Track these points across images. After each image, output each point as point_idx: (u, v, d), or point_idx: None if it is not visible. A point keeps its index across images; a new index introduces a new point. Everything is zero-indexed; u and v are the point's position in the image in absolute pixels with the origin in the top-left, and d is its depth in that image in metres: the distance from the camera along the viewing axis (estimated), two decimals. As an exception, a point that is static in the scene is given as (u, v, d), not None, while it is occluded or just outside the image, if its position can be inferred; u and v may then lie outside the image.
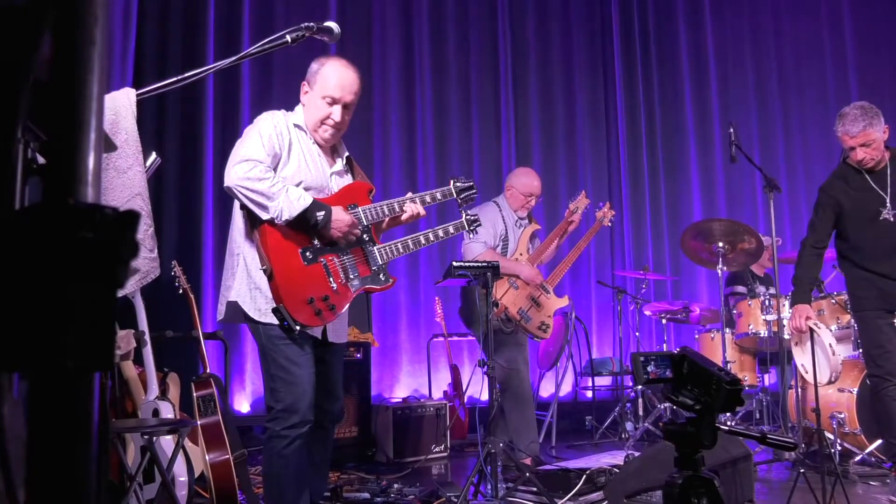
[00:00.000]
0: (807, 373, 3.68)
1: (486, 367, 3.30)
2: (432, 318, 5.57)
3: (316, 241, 2.48)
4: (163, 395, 3.37)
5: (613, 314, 5.96)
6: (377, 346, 5.09)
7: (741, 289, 5.53)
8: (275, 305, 2.39)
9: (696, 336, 5.36)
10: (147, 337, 3.36)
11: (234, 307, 2.50)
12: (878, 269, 3.60)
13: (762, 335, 4.78)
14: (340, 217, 2.48)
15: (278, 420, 2.42)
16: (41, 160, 0.68)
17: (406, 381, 5.84)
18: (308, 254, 2.46)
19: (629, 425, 5.25)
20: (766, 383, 5.31)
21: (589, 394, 6.01)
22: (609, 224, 4.57)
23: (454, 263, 3.39)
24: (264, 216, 2.40)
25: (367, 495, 3.56)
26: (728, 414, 4.51)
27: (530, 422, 4.14)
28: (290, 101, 2.67)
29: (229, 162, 2.42)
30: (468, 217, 2.86)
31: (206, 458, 3.13)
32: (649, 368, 1.63)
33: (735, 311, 5.10)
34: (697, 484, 1.53)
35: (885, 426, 3.61)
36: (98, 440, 0.55)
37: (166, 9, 5.15)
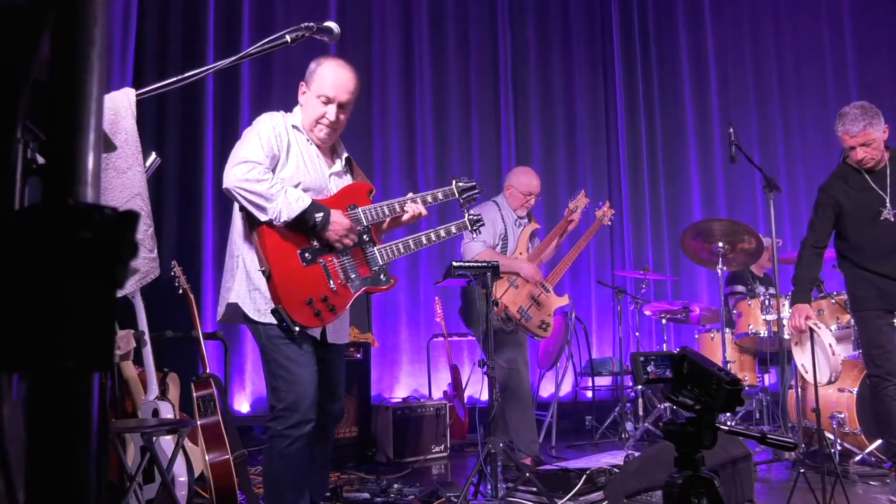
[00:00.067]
0: (807, 373, 3.68)
1: (485, 367, 3.30)
2: (432, 318, 5.57)
3: (315, 243, 2.48)
4: (163, 395, 3.37)
5: (613, 314, 5.96)
6: (377, 346, 5.09)
7: (741, 288, 5.53)
8: (274, 306, 2.39)
9: (696, 336, 5.35)
10: (147, 337, 3.36)
11: (233, 308, 2.50)
12: (878, 269, 3.60)
13: (762, 335, 4.78)
14: (338, 220, 2.47)
15: (280, 419, 2.42)
16: (41, 160, 0.68)
17: (406, 381, 5.84)
18: (307, 255, 2.46)
19: (629, 425, 5.25)
20: (766, 383, 5.31)
21: (589, 394, 6.01)
22: (609, 223, 4.57)
23: (454, 263, 3.39)
24: (263, 217, 2.40)
25: (367, 495, 3.56)
26: (728, 414, 4.51)
27: (530, 422, 4.14)
28: (290, 101, 2.68)
29: (228, 164, 2.42)
30: (471, 217, 2.85)
31: (206, 458, 3.13)
32: (649, 368, 1.63)
33: (735, 311, 5.10)
34: (697, 484, 1.53)
35: (885, 426, 3.61)
36: (98, 440, 0.55)
37: (166, 9, 5.15)
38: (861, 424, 4.03)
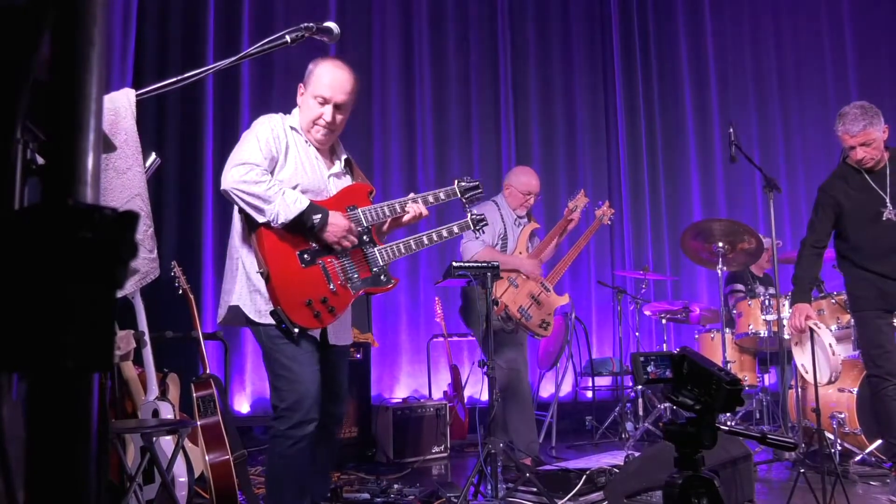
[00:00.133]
0: (807, 373, 3.68)
1: (485, 367, 3.30)
2: (432, 319, 5.57)
3: (314, 244, 2.48)
4: (163, 395, 3.37)
5: (613, 314, 5.96)
6: (377, 347, 5.09)
7: (740, 287, 5.53)
8: (273, 308, 2.39)
9: (696, 336, 5.35)
10: (147, 337, 3.36)
11: (234, 311, 2.49)
12: (878, 269, 3.60)
13: (762, 335, 4.78)
14: (336, 222, 2.46)
15: (283, 419, 2.42)
16: (40, 160, 0.68)
17: (406, 382, 5.84)
18: (306, 256, 2.46)
19: (629, 425, 5.25)
20: (766, 383, 5.31)
21: (589, 394, 6.01)
22: (608, 222, 4.57)
23: (454, 264, 3.39)
24: (261, 219, 2.40)
25: (367, 496, 3.56)
26: (728, 414, 4.51)
27: (530, 422, 4.14)
28: (289, 101, 2.68)
29: (226, 166, 2.43)
30: (474, 217, 2.84)
31: (206, 458, 3.13)
32: (649, 368, 1.63)
33: (735, 311, 5.10)
34: (697, 484, 1.53)
35: (885, 426, 3.61)
36: (98, 440, 0.55)
37: (166, 9, 5.15)
38: (861, 424, 4.03)
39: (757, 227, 5.70)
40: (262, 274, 2.41)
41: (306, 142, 2.59)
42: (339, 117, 2.57)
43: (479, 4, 6.59)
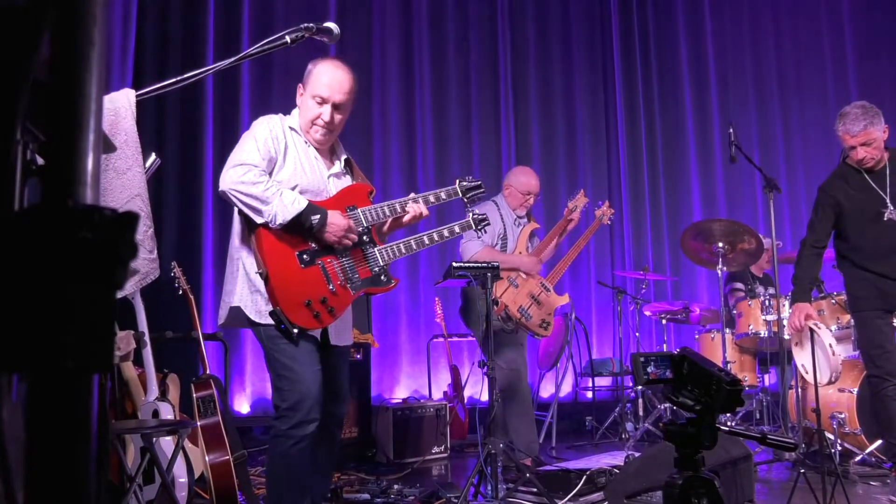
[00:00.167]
0: (807, 373, 3.68)
1: (485, 367, 3.30)
2: (432, 319, 5.57)
3: (313, 244, 2.48)
4: (162, 396, 3.37)
5: (613, 314, 5.96)
6: (377, 347, 5.09)
7: (740, 285, 5.53)
8: (272, 308, 2.39)
9: (697, 336, 5.35)
10: (147, 338, 3.36)
11: (235, 312, 2.49)
12: (878, 269, 3.60)
13: (762, 335, 4.78)
14: (336, 221, 2.46)
15: (284, 419, 2.42)
16: (40, 161, 0.68)
17: (406, 382, 5.84)
18: (305, 256, 2.46)
19: (629, 426, 5.25)
20: (767, 383, 5.31)
21: (589, 394, 6.01)
22: (608, 222, 4.57)
23: (454, 264, 3.39)
24: (259, 220, 2.40)
25: (367, 496, 3.56)
26: (728, 414, 4.51)
27: (530, 422, 4.13)
28: (289, 102, 2.68)
29: (225, 167, 2.43)
30: (476, 216, 2.84)
31: (206, 458, 3.13)
32: (649, 369, 1.63)
33: (735, 312, 5.10)
34: (698, 484, 1.53)
35: (885, 426, 3.61)
36: (98, 441, 0.55)
37: (166, 9, 5.15)
38: (861, 425, 4.03)
39: (757, 228, 5.69)
40: (260, 274, 2.41)
41: (306, 142, 2.59)
42: (337, 117, 2.57)
43: (479, 5, 6.59)
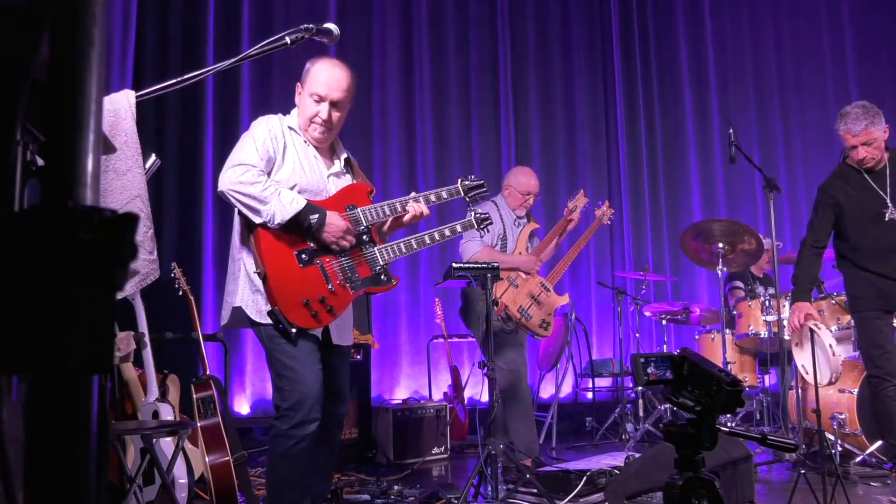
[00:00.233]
0: (807, 373, 3.68)
1: (485, 368, 3.30)
2: (432, 320, 5.57)
3: (312, 244, 2.47)
4: (162, 396, 3.37)
5: (613, 315, 5.96)
6: (377, 348, 5.09)
7: (740, 284, 5.53)
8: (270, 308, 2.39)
9: (697, 337, 5.35)
10: (147, 339, 3.36)
11: (237, 312, 2.49)
12: (878, 270, 3.60)
13: (762, 336, 4.78)
14: (334, 222, 2.46)
15: (285, 418, 2.42)
16: (40, 162, 0.68)
17: (406, 383, 5.84)
18: (304, 256, 2.45)
19: (629, 426, 5.25)
20: (767, 384, 5.31)
21: (589, 395, 6.00)
22: (608, 222, 4.57)
23: (454, 265, 3.39)
24: (257, 220, 2.40)
25: (367, 497, 3.55)
26: (728, 415, 4.51)
27: (530, 423, 4.13)
28: (289, 102, 2.68)
29: (224, 167, 2.43)
30: (478, 215, 2.83)
31: (206, 459, 3.13)
32: (649, 370, 1.63)
33: (735, 312, 5.10)
34: (698, 485, 1.52)
35: (886, 427, 3.61)
36: (98, 442, 0.54)
37: (166, 10, 5.15)
38: (861, 425, 4.02)
39: (757, 228, 5.70)
40: (258, 274, 2.41)
41: (305, 142, 2.59)
42: (335, 115, 2.57)
43: (479, 5, 6.59)
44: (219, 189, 2.43)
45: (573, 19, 7.03)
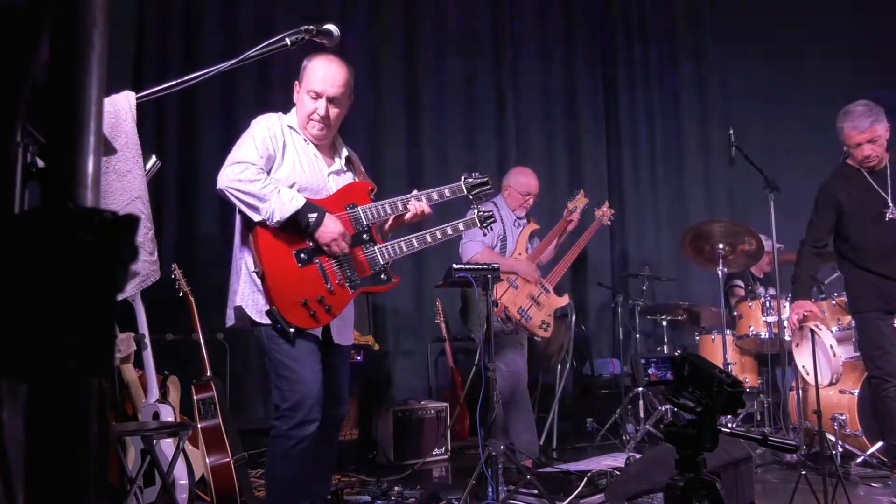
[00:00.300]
0: (808, 374, 3.68)
1: (486, 369, 3.30)
2: (433, 321, 5.57)
3: (311, 243, 2.46)
4: (163, 398, 3.37)
5: (613, 316, 5.95)
6: (378, 349, 5.09)
7: (739, 282, 5.53)
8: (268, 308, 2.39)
9: (697, 338, 5.35)
10: (147, 340, 3.36)
11: (240, 312, 2.49)
12: (879, 270, 3.60)
13: (763, 337, 4.77)
14: (329, 225, 2.44)
15: (285, 419, 2.41)
16: (41, 164, 0.68)
17: (407, 384, 5.82)
18: (303, 255, 2.45)
19: (630, 427, 5.24)
20: (768, 385, 5.30)
21: (589, 395, 5.99)
22: (608, 223, 4.57)
23: (454, 266, 3.39)
24: (256, 218, 2.39)
25: (367, 498, 3.55)
26: (729, 416, 4.50)
27: (530, 424, 4.13)
28: (289, 102, 2.67)
29: (223, 166, 2.43)
30: (482, 214, 2.81)
31: (207, 461, 3.13)
32: (650, 370, 1.63)
33: (736, 313, 5.09)
34: (699, 486, 1.52)
35: (886, 427, 3.61)
36: (98, 443, 0.55)
37: (166, 11, 5.15)
38: (862, 426, 4.02)
39: (758, 229, 5.69)
40: (257, 273, 2.40)
41: (305, 140, 2.59)
42: (333, 111, 2.56)
43: (480, 4, 6.59)
44: (217, 186, 2.42)
45: (575, 19, 7.02)
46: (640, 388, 5.30)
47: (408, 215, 2.64)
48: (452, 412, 5.00)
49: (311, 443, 2.43)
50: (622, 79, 7.14)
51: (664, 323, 5.69)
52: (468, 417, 5.20)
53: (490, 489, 3.20)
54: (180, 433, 2.96)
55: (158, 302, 3.79)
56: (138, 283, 1.83)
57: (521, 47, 6.74)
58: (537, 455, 4.10)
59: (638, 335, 5.68)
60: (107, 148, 1.55)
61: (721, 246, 4.62)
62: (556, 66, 6.89)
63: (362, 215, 2.57)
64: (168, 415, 3.31)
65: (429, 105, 6.24)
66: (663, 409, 5.03)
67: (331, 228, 2.44)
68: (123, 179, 1.76)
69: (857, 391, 4.08)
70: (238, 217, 2.52)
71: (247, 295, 2.47)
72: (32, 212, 0.53)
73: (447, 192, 2.71)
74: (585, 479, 3.42)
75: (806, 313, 3.64)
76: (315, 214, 2.42)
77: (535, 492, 3.28)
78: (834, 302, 4.35)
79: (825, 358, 3.61)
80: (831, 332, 3.92)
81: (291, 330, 2.37)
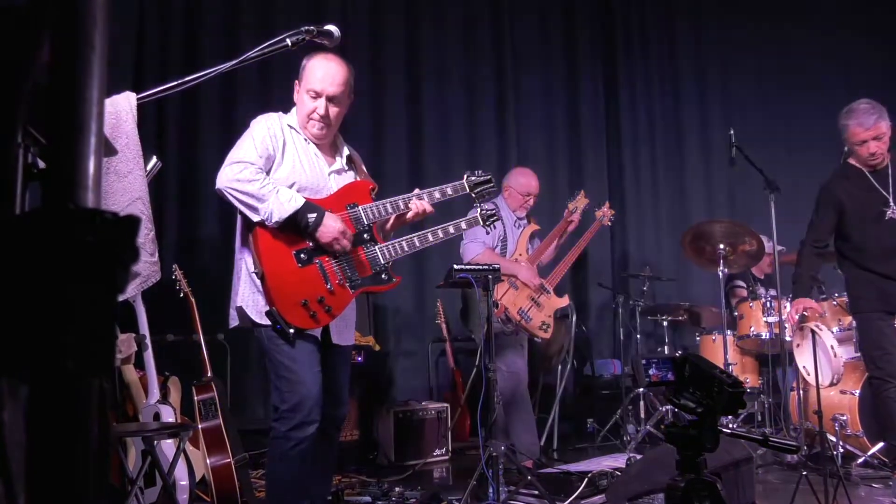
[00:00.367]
0: (808, 375, 3.68)
1: (486, 370, 3.30)
2: (434, 321, 5.57)
3: (311, 243, 2.46)
4: (164, 398, 3.37)
5: (614, 316, 5.95)
6: (378, 349, 5.09)
7: (741, 282, 5.53)
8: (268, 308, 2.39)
9: (698, 338, 5.35)
10: (148, 340, 3.36)
11: (241, 313, 2.49)
12: (880, 270, 3.60)
13: (764, 337, 4.77)
14: (330, 224, 2.43)
15: (284, 420, 2.41)
16: (42, 165, 0.68)
17: (407, 384, 5.82)
18: (302, 255, 2.44)
19: (631, 428, 5.24)
20: (769, 385, 5.30)
21: (590, 396, 5.99)
22: (609, 223, 4.56)
23: (455, 266, 3.39)
24: (255, 218, 2.39)
25: (368, 498, 3.55)
26: (730, 416, 4.50)
27: (531, 425, 4.13)
28: (290, 102, 2.67)
29: (222, 166, 2.42)
30: (484, 212, 2.79)
31: (207, 461, 3.13)
32: (651, 371, 1.63)
33: (736, 314, 5.09)
34: (700, 487, 1.52)
35: (887, 428, 3.61)
36: (99, 444, 0.54)
37: (166, 11, 5.15)
38: (863, 426, 4.02)
39: (758, 230, 5.69)
40: (256, 274, 2.40)
41: (305, 140, 2.58)
42: (333, 110, 2.55)
43: (481, 4, 6.59)
44: (216, 186, 2.41)
45: (575, 19, 7.02)
46: (641, 389, 5.30)
47: (409, 214, 2.63)
48: (453, 413, 5.00)
49: (311, 444, 2.42)
50: (622, 79, 7.14)
51: (665, 323, 5.69)
52: (469, 418, 5.20)
53: (491, 490, 3.20)
54: (181, 434, 2.96)
55: (159, 303, 3.79)
56: (139, 284, 1.83)
57: (522, 47, 6.73)
58: (538, 456, 4.10)
59: (638, 336, 5.67)
60: (108, 149, 1.55)
61: (722, 246, 4.62)
62: (557, 66, 6.89)
63: (363, 215, 2.56)
64: (169, 415, 3.31)
65: (429, 105, 6.24)
66: (664, 409, 5.03)
67: (331, 227, 2.43)
68: (124, 180, 1.76)
69: (857, 392, 4.08)
70: (239, 218, 2.51)
71: (247, 296, 2.47)
72: (33, 213, 0.53)
73: (449, 191, 2.70)
74: (586, 479, 3.42)
75: (806, 311, 3.64)
76: (314, 214, 2.41)
77: (536, 492, 3.28)
78: (835, 302, 4.35)
79: (826, 358, 3.61)
80: (832, 332, 3.92)
81: (291, 331, 2.37)
